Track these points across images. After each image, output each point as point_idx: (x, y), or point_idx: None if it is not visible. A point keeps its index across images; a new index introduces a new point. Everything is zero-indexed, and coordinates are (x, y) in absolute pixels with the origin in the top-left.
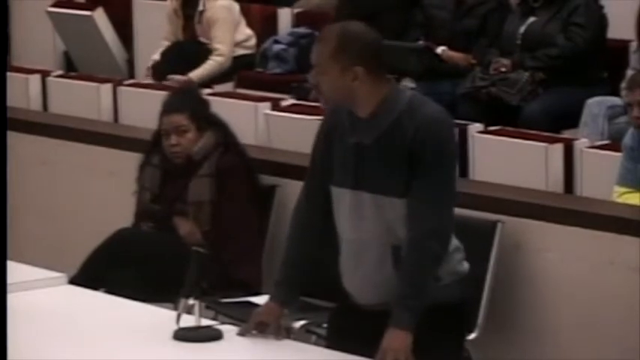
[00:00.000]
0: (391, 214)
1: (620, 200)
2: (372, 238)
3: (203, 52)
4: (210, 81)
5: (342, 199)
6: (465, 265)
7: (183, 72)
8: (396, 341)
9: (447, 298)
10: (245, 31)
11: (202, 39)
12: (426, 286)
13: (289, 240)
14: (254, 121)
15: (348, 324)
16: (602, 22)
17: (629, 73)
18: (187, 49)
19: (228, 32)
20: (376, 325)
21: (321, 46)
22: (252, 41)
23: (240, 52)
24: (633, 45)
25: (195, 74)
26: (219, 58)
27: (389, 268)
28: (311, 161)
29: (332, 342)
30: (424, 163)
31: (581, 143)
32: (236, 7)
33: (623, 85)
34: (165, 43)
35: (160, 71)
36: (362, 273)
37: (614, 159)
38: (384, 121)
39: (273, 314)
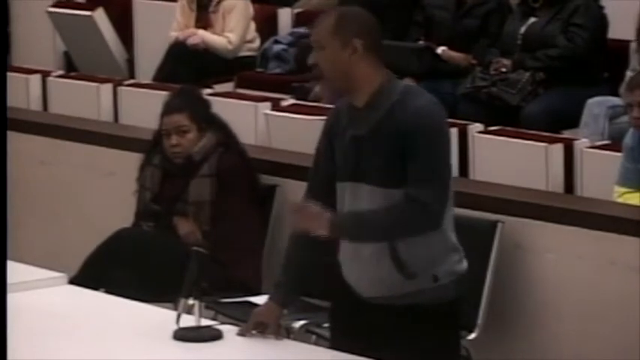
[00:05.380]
0: (386, 205)
1: (620, 200)
2: None
3: (207, 55)
4: (210, 81)
5: (344, 193)
6: (464, 265)
7: (189, 74)
8: (327, 223)
9: (443, 298)
10: (252, 33)
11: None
12: (384, 236)
13: (291, 240)
14: (254, 121)
15: (350, 317)
16: (602, 22)
17: (628, 74)
18: (192, 51)
19: (242, 22)
20: (377, 318)
21: (320, 25)
22: (256, 43)
23: (244, 53)
24: (633, 45)
25: (205, 34)
26: (229, 46)
27: (386, 264)
28: (314, 161)
29: (335, 336)
30: (415, 152)
31: (581, 143)
32: (250, 6)
33: (622, 87)
34: (174, 34)
35: (164, 73)
36: (360, 267)
37: (615, 159)
38: (378, 111)
39: (273, 314)
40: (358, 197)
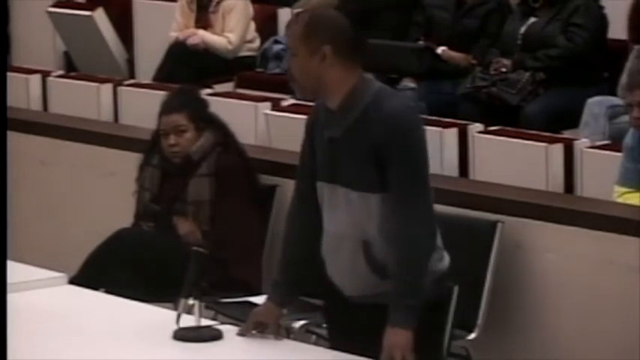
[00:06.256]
0: (361, 208)
1: (620, 200)
2: (345, 232)
3: (207, 55)
4: (210, 81)
5: (322, 192)
6: (444, 263)
7: (189, 74)
8: (399, 339)
9: (425, 297)
10: (252, 33)
11: (215, 28)
12: (421, 282)
13: (285, 241)
14: (254, 121)
15: (338, 316)
16: (602, 22)
17: (624, 76)
18: (192, 51)
19: (242, 22)
20: (360, 317)
21: (291, 29)
22: (256, 43)
23: (244, 53)
24: (633, 47)
25: (205, 34)
26: (229, 46)
27: (362, 263)
28: (299, 160)
29: (331, 335)
30: (393, 160)
31: (581, 143)
32: (250, 6)
33: (619, 87)
34: (174, 34)
35: (164, 73)
36: (339, 266)
37: (615, 159)
38: (351, 114)
39: (272, 314)
40: (335, 199)
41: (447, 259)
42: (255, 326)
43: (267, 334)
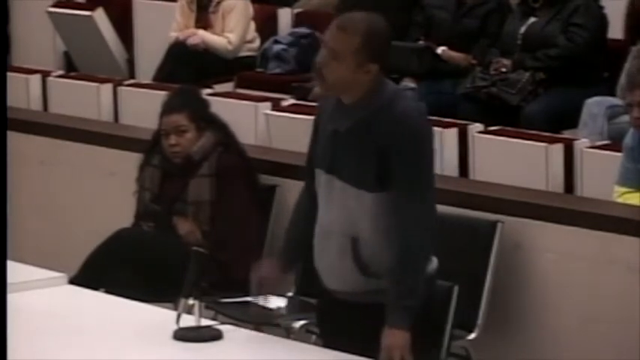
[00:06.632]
0: (355, 205)
1: (620, 200)
2: (336, 226)
3: (207, 55)
4: (210, 81)
5: (320, 181)
6: (433, 265)
7: (189, 74)
8: (397, 339)
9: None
10: (252, 33)
11: (215, 28)
12: (418, 283)
13: (290, 222)
14: (254, 121)
15: (326, 314)
16: (602, 22)
17: (623, 76)
18: (192, 51)
19: (242, 22)
20: (345, 314)
21: (344, 35)
22: (256, 43)
23: (244, 53)
24: (632, 49)
25: (205, 34)
26: (229, 46)
27: (349, 260)
28: (307, 159)
29: (323, 335)
30: (401, 162)
31: (581, 143)
32: (250, 6)
33: (618, 87)
34: (174, 35)
35: (164, 73)
36: (327, 259)
37: (614, 159)
38: (363, 111)
39: (274, 271)
40: (331, 191)
41: (434, 262)
42: (257, 284)
43: (266, 288)
